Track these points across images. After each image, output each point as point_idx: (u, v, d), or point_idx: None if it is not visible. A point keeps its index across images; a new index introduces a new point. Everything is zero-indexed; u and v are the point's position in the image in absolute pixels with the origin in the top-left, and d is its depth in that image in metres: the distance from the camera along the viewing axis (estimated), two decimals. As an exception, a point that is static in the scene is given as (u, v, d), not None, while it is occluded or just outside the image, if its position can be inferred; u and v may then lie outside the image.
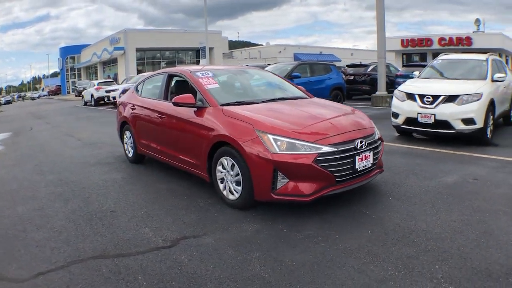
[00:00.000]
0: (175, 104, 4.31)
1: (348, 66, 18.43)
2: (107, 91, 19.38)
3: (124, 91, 17.00)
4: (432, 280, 2.44)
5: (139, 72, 32.56)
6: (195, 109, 4.23)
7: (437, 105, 6.20)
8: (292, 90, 5.04)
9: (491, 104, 6.30)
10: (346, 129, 3.72)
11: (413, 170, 4.92)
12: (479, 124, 5.99)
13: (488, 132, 6.33)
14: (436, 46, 26.68)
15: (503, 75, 6.73)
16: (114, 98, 18.00)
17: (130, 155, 5.90)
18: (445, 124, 6.14)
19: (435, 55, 30.08)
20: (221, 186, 3.90)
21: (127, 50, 36.38)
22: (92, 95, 21.51)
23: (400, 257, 2.74)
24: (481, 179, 4.49)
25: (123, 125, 6.02)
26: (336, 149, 3.45)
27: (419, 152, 5.98)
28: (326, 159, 3.39)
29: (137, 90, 5.91)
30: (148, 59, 39.48)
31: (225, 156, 3.76)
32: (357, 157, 3.58)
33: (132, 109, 5.66)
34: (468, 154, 5.70)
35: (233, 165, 3.69)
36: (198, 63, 41.33)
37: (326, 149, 3.41)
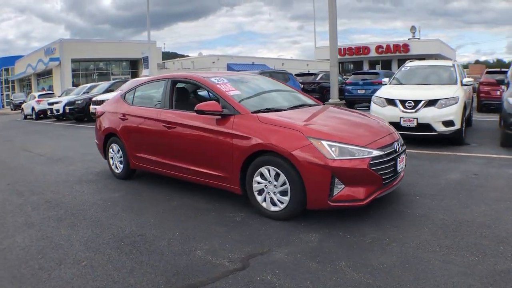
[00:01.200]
0: (199, 112, 3.98)
1: (297, 75, 18.99)
2: (50, 104, 17.63)
3: (69, 103, 15.93)
4: (507, 258, 2.74)
5: (75, 85, 30.76)
6: (219, 117, 3.95)
7: (418, 109, 6.63)
8: (303, 96, 4.99)
9: (464, 107, 6.91)
10: (383, 133, 3.82)
11: (416, 171, 5.20)
12: (458, 125, 6.54)
13: (463, 133, 6.93)
14: (373, 54, 28.75)
15: (470, 79, 7.44)
16: (57, 111, 16.56)
17: (119, 170, 5.34)
18: (427, 126, 6.60)
19: (372, 63, 32.47)
20: (259, 198, 3.69)
21: (63, 61, 34.59)
22: (33, 108, 19.71)
23: (468, 245, 2.97)
24: (481, 174, 4.93)
25: (108, 138, 5.45)
26: (383, 152, 3.52)
27: (409, 154, 6.28)
28: (376, 162, 3.43)
29: (125, 98, 5.39)
30: (82, 70, 38.01)
31: (267, 166, 3.56)
32: (398, 159, 3.70)
33: (123, 120, 5.14)
34: (453, 154, 6.21)
35: (277, 175, 3.52)
36: (132, 74, 40.12)
37: (376, 152, 3.45)
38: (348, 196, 3.35)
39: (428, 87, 7.26)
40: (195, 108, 4.02)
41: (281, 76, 13.66)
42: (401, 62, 29.06)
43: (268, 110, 4.03)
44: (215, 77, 4.46)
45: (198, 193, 4.50)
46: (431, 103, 6.59)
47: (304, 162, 3.34)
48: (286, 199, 3.51)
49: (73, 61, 35.83)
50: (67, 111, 15.57)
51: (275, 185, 3.55)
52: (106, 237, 3.37)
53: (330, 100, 15.57)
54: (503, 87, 7.65)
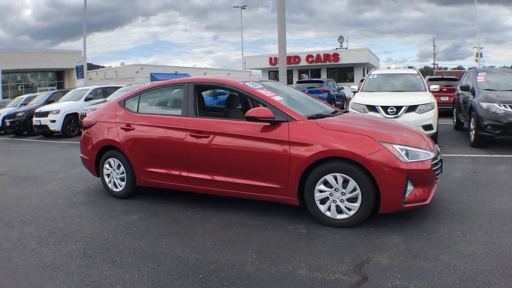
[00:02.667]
0: (251, 119, 3.66)
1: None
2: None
3: (9, 116, 13.86)
4: None
5: (5, 97, 27.14)
6: (268, 124, 3.67)
7: (400, 114, 7.08)
8: (322, 103, 4.90)
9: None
10: (422, 136, 4.02)
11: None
12: (435, 129, 7.15)
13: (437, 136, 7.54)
14: (303, 63, 30.00)
15: (437, 87, 8.14)
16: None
17: (119, 188, 4.63)
18: (409, 130, 7.01)
19: (301, 72, 33.90)
20: (322, 207, 3.52)
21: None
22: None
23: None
24: (478, 172, 5.45)
25: (102, 152, 4.71)
26: (435, 154, 3.69)
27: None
28: (434, 163, 3.58)
29: (125, 106, 4.71)
30: (11, 81, 34.57)
31: (333, 173, 3.42)
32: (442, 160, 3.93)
33: (126, 130, 4.48)
34: (437, 155, 6.70)
35: (345, 181, 3.41)
36: (58, 85, 37.16)
37: (432, 154, 3.59)
38: (416, 197, 3.42)
39: (402, 94, 7.82)
40: (246, 115, 3.71)
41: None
42: (330, 71, 31.02)
43: (318, 116, 3.90)
44: (249, 82, 4.20)
45: (227, 207, 4.13)
46: (411, 108, 7.09)
47: (379, 166, 3.31)
48: (355, 205, 3.42)
49: (4, 72, 32.79)
50: (8, 124, 13.68)
51: (342, 192, 3.43)
52: (171, 270, 2.81)
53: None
54: (460, 91, 8.54)
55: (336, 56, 28.86)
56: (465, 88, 7.68)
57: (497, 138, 6.65)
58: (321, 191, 3.49)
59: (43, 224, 3.87)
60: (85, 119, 5.09)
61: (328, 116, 4.04)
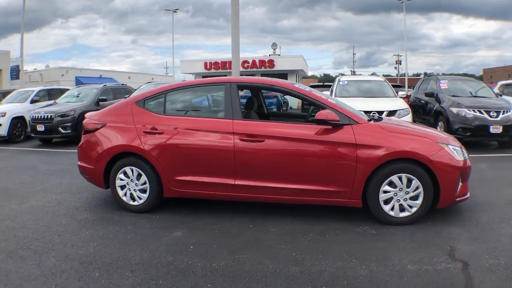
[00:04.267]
0: (321, 122, 3.53)
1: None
2: None
3: None
4: None
5: None
6: (329, 127, 3.57)
7: (381, 118, 7.39)
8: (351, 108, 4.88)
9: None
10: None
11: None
12: (411, 132, 7.57)
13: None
14: (239, 68, 29.98)
15: (403, 93, 8.73)
16: None
17: (140, 201, 3.99)
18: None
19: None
20: (386, 207, 3.56)
21: None
22: None
23: None
24: (475, 169, 5.89)
25: (114, 160, 4.02)
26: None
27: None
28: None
29: (145, 106, 4.09)
30: None
31: (399, 174, 3.49)
32: None
33: (152, 134, 3.90)
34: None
35: (408, 181, 3.51)
36: None
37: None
38: (462, 192, 3.68)
39: (378, 100, 8.29)
40: (316, 117, 3.56)
41: (123, 91, 12.24)
42: (264, 76, 31.54)
43: (373, 119, 3.95)
44: (294, 84, 4.10)
45: (270, 215, 3.87)
46: (391, 113, 7.52)
47: (441, 165, 3.50)
48: (417, 203, 3.55)
49: None
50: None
51: (406, 191, 3.53)
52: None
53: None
54: (418, 97, 9.30)
55: (271, 62, 29.52)
56: (429, 95, 8.40)
57: (466, 140, 7.42)
58: (385, 191, 3.54)
59: (65, 252, 3.11)
60: (86, 121, 4.30)
61: (379, 119, 4.08)
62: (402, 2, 31.73)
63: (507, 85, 9.67)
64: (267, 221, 3.73)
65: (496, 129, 6.92)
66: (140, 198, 4.01)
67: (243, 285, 2.55)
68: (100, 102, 9.82)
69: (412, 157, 3.48)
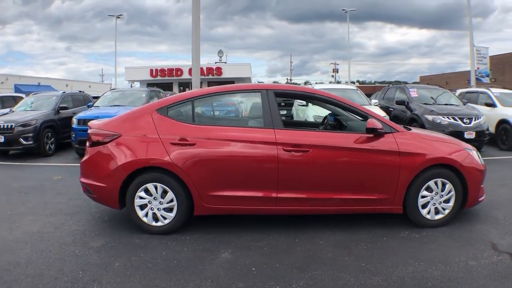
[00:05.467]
0: (372, 130, 3.41)
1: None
2: None
3: None
4: None
5: None
6: (371, 135, 3.45)
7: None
8: None
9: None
10: None
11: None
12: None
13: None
14: (186, 75, 29.10)
15: (376, 101, 8.95)
16: None
17: (165, 222, 3.43)
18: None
19: (181, 84, 32.78)
20: (423, 211, 3.55)
21: None
22: None
23: None
24: None
25: (133, 175, 3.41)
26: None
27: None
28: None
29: (169, 114, 3.54)
30: None
31: (436, 179, 3.52)
32: None
33: (183, 146, 3.38)
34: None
35: (443, 185, 3.55)
36: None
37: None
38: (482, 193, 3.79)
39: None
40: (368, 126, 3.39)
41: (81, 98, 11.33)
42: (211, 84, 30.93)
43: (406, 128, 3.90)
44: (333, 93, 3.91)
45: (307, 227, 3.64)
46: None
47: (470, 169, 3.59)
48: (449, 205, 3.60)
49: None
50: None
51: (441, 195, 3.55)
52: None
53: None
54: (388, 105, 9.61)
55: (219, 70, 29.08)
56: (400, 103, 8.69)
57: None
58: (423, 196, 3.52)
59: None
60: (94, 132, 3.57)
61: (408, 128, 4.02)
62: (346, 12, 33.37)
63: (467, 92, 10.28)
64: (309, 233, 3.44)
65: (470, 135, 7.23)
66: (165, 218, 3.42)
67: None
68: (60, 110, 8.72)
69: (448, 163, 3.52)
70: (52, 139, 8.25)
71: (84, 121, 7.60)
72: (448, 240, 3.28)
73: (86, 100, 10.19)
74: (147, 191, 3.43)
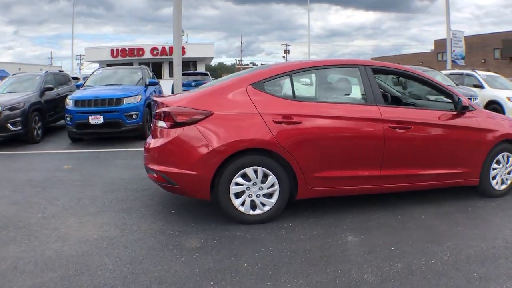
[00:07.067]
0: (466, 108, 3.35)
1: None
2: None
3: None
4: None
5: None
6: (454, 112, 3.38)
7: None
8: None
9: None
10: None
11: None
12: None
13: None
14: (148, 56, 27.18)
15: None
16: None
17: (264, 209, 2.95)
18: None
19: (142, 64, 30.57)
20: (493, 182, 3.60)
21: None
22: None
23: None
24: None
25: (229, 160, 2.84)
26: None
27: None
28: None
29: (265, 89, 2.98)
30: None
31: (503, 153, 3.59)
32: None
33: (288, 124, 2.88)
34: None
35: (508, 158, 3.63)
36: None
37: None
38: None
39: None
40: (464, 104, 3.30)
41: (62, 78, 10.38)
42: (172, 64, 29.33)
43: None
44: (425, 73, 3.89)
45: (380, 202, 3.47)
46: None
47: None
48: (511, 176, 3.67)
49: None
50: None
51: (506, 167, 3.63)
52: None
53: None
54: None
55: (183, 49, 27.47)
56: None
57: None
58: (494, 168, 3.57)
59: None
60: (176, 109, 2.85)
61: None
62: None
63: (451, 74, 10.32)
64: (405, 210, 3.27)
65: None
66: (265, 205, 2.93)
67: None
68: (46, 92, 7.47)
69: (510, 138, 3.57)
70: (40, 124, 6.99)
71: (82, 102, 6.62)
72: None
73: (67, 80, 8.90)
74: (244, 176, 2.90)
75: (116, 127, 6.59)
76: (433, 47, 40.80)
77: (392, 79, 4.58)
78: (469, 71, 10.13)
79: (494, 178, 3.57)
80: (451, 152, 3.34)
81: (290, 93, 3.07)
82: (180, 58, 13.56)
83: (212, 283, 2.13)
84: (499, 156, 3.55)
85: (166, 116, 2.90)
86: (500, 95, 8.55)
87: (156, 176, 2.96)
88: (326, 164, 2.97)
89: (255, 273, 2.24)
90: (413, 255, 2.46)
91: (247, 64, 62.56)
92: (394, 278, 2.18)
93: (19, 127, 6.36)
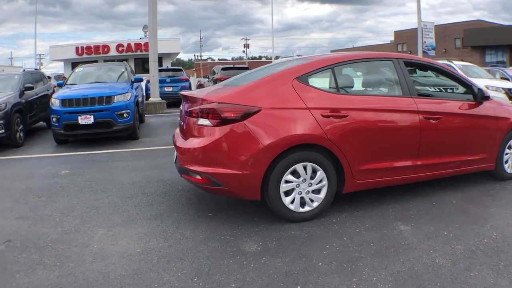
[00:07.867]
0: (486, 98, 3.50)
1: None
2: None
3: None
4: None
5: None
6: (473, 102, 3.51)
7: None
8: None
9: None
10: None
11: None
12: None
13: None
14: (113, 53, 25.76)
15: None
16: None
17: (313, 206, 2.82)
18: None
19: (107, 61, 28.85)
20: (505, 165, 3.77)
21: None
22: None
23: None
24: None
25: (279, 157, 2.67)
26: None
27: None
28: None
29: (309, 83, 2.84)
30: None
31: None
32: None
33: (336, 118, 2.77)
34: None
35: None
36: None
37: None
38: None
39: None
40: (486, 95, 3.50)
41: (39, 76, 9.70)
42: (138, 61, 27.87)
43: None
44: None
45: (399, 191, 3.52)
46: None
47: None
48: None
49: None
50: None
51: None
52: None
53: (150, 99, 13.29)
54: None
55: (147, 45, 26.42)
56: None
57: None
58: (506, 153, 3.75)
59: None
60: (221, 106, 2.61)
61: None
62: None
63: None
64: (435, 197, 3.34)
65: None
66: (313, 201, 2.81)
67: None
68: (25, 92, 6.78)
69: None
70: (21, 126, 6.34)
71: (70, 102, 6.08)
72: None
73: (44, 79, 8.18)
74: (293, 173, 2.76)
75: (107, 127, 6.09)
76: (393, 38, 42.18)
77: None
78: (446, 61, 10.56)
79: (506, 162, 3.74)
80: (474, 140, 3.44)
81: (334, 86, 2.95)
82: (156, 54, 13.16)
83: (299, 287, 1.96)
84: (511, 142, 3.75)
85: (211, 113, 2.67)
86: (478, 84, 9.00)
87: (200, 178, 2.73)
88: (370, 157, 2.90)
89: (335, 271, 2.10)
90: (466, 237, 2.51)
91: (206, 60, 61.43)
92: (462, 259, 2.18)
93: (2, 130, 5.67)
